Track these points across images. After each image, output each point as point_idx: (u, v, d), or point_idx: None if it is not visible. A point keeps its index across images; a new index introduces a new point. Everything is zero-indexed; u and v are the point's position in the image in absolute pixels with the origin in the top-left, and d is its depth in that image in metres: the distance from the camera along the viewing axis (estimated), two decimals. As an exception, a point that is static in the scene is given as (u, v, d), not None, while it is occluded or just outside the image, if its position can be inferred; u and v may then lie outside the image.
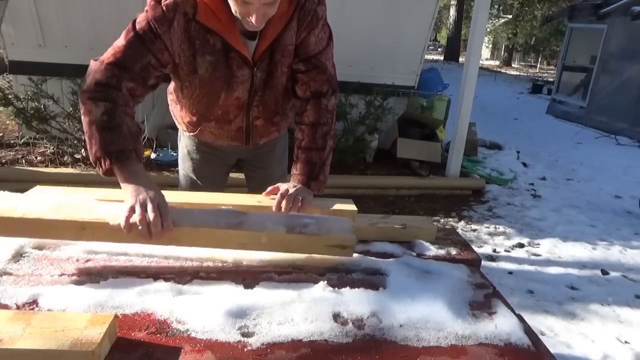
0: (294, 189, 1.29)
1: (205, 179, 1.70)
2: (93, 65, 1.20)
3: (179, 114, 1.59)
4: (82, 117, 1.15)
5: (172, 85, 1.52)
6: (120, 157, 1.10)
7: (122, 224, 0.99)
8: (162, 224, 1.00)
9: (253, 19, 1.16)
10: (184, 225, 1.04)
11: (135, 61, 1.20)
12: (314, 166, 1.38)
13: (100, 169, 1.12)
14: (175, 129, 1.78)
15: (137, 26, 1.21)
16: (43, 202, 1.08)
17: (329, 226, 1.12)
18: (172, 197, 1.18)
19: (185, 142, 1.70)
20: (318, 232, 1.10)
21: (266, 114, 1.49)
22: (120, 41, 1.21)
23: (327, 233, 1.10)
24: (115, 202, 1.09)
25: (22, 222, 1.00)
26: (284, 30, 1.30)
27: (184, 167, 1.74)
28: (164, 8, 1.19)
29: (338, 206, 1.31)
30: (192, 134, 1.60)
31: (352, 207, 1.30)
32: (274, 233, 1.08)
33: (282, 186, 1.30)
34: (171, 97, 1.59)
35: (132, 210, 1.01)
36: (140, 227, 0.99)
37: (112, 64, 1.18)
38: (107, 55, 1.20)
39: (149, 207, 1.01)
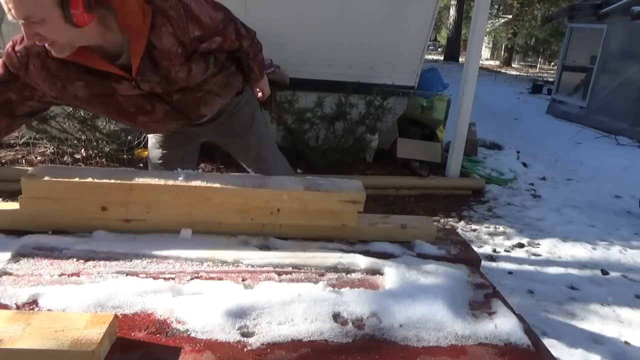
0: (265, 86, 1.86)
1: (171, 164, 1.70)
2: None
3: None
4: None
5: None
6: None
7: None
8: None
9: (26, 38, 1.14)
10: (216, 185, 1.20)
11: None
12: (262, 63, 1.75)
13: None
14: None
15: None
16: (94, 170, 1.22)
17: (341, 185, 1.29)
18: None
19: (151, 134, 1.81)
20: (332, 189, 1.25)
21: (184, 97, 1.49)
22: None
23: (340, 190, 1.25)
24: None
25: (79, 185, 1.15)
26: (152, 40, 1.28)
27: (154, 157, 1.82)
28: (17, 54, 1.25)
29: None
30: (146, 130, 1.74)
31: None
32: (293, 191, 1.22)
33: (264, 90, 1.87)
34: None
35: None
36: None
37: None
38: None
39: None
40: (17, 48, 1.24)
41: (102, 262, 1.07)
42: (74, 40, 1.16)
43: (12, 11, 1.06)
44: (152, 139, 1.82)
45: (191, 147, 1.85)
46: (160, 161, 1.80)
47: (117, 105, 1.40)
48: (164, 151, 1.79)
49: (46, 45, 1.16)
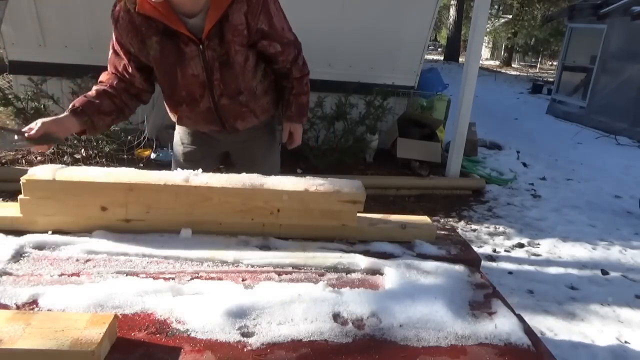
0: (299, 133, 1.82)
1: (193, 164, 1.71)
2: None
3: (168, 109, 1.77)
4: None
5: None
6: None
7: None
8: None
9: None
10: (216, 185, 1.20)
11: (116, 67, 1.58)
12: (303, 107, 1.78)
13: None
14: (174, 128, 1.82)
15: (112, 40, 1.56)
16: (94, 170, 1.22)
17: (341, 185, 1.28)
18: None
19: (177, 130, 1.86)
20: (332, 189, 1.24)
21: (228, 91, 1.61)
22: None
23: (340, 190, 1.24)
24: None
25: (79, 184, 1.15)
26: (228, 12, 1.44)
27: (176, 153, 1.88)
28: (113, 11, 1.50)
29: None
30: (178, 122, 1.77)
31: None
32: (294, 191, 1.22)
33: (296, 136, 1.82)
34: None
35: None
36: None
37: (106, 72, 1.61)
38: None
39: None
40: (113, 9, 1.49)
41: (102, 262, 1.07)
42: None
43: None
44: (177, 135, 1.86)
45: (213, 151, 1.89)
46: (184, 157, 1.84)
47: (176, 80, 1.57)
48: (188, 149, 1.84)
49: None
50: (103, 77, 1.58)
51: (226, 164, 1.96)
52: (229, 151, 1.91)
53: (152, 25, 1.45)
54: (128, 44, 1.51)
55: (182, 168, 1.75)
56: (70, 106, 1.46)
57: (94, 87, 1.55)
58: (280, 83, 1.75)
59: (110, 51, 1.57)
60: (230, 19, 1.46)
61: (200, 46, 1.49)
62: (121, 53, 1.54)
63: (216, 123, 1.69)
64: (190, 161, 1.80)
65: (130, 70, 1.56)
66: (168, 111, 1.76)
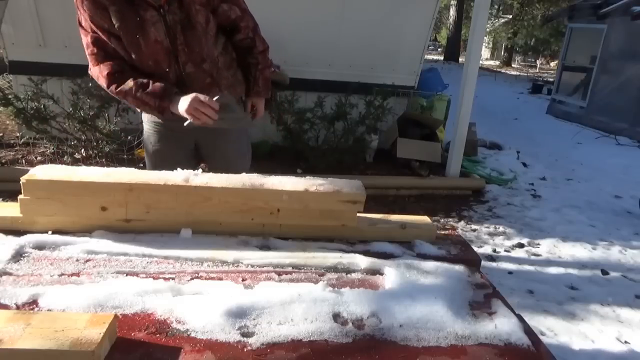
0: (262, 105, 1.85)
1: (165, 163, 1.70)
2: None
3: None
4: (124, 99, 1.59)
5: None
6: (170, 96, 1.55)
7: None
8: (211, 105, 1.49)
9: None
10: (216, 185, 1.19)
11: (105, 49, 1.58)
12: (268, 80, 1.81)
13: (166, 112, 1.56)
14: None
15: (82, 26, 1.60)
16: (94, 170, 1.22)
17: (341, 185, 1.28)
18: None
19: (145, 128, 1.85)
20: (332, 189, 1.24)
21: (193, 56, 1.61)
22: (85, 46, 1.62)
23: (340, 190, 1.24)
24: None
25: (79, 184, 1.15)
26: None
27: (146, 156, 1.87)
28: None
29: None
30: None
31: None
32: (294, 191, 1.22)
33: (260, 108, 1.85)
34: None
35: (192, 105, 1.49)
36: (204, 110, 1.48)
37: (100, 62, 1.60)
38: None
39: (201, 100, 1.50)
40: None
41: (102, 262, 1.07)
42: None
43: None
44: (148, 131, 1.84)
45: (183, 143, 1.85)
46: (155, 157, 1.83)
47: (140, 48, 1.55)
48: (158, 144, 1.82)
49: None
50: (105, 69, 1.56)
51: (199, 162, 1.94)
52: (198, 143, 1.88)
53: None
54: (99, 21, 1.51)
55: (156, 168, 1.71)
56: (160, 97, 1.54)
57: (130, 80, 1.55)
58: (244, 60, 1.76)
59: (87, 38, 1.56)
60: None
61: (161, 10, 1.50)
62: (100, 33, 1.52)
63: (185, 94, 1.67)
64: (162, 160, 1.78)
65: (115, 47, 1.54)
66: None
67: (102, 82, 1.57)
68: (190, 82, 1.64)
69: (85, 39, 1.56)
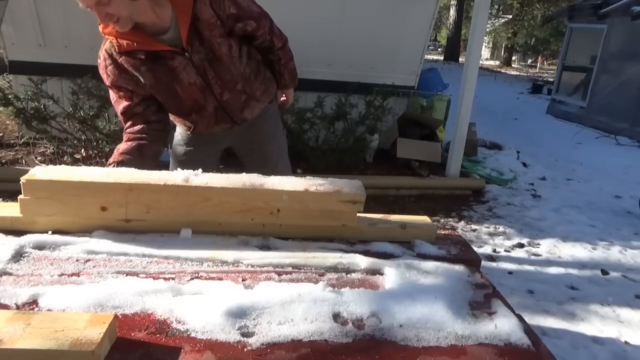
0: (291, 94, 1.99)
1: (193, 163, 1.73)
2: None
3: (177, 122, 1.83)
4: None
5: None
6: None
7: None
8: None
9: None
10: (216, 185, 1.19)
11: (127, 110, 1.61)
12: (293, 71, 1.88)
13: None
14: (175, 129, 1.83)
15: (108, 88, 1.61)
16: (94, 170, 1.22)
17: (341, 185, 1.28)
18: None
19: (179, 130, 1.88)
20: (332, 189, 1.24)
21: (226, 85, 1.65)
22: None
23: (340, 190, 1.24)
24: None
25: (79, 184, 1.14)
26: (195, 11, 1.47)
27: (176, 153, 1.88)
28: (100, 65, 1.55)
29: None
30: (190, 132, 1.79)
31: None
32: (294, 191, 1.21)
33: (289, 97, 1.98)
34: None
35: None
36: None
37: (124, 121, 1.63)
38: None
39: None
40: (99, 61, 1.54)
41: (102, 262, 1.07)
42: (132, 13, 1.38)
43: (83, 0, 1.29)
44: (178, 136, 1.87)
45: (215, 149, 1.92)
46: (184, 158, 1.85)
47: (177, 95, 1.60)
48: (189, 148, 1.85)
49: (112, 24, 1.40)
50: (127, 130, 1.60)
51: (226, 164, 1.97)
52: (232, 145, 1.93)
53: (136, 57, 1.50)
54: (125, 85, 1.55)
55: (182, 168, 1.78)
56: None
57: (128, 148, 1.55)
58: (266, 58, 1.78)
59: (113, 102, 1.61)
60: (200, 17, 1.48)
61: (186, 54, 1.52)
62: (122, 95, 1.57)
63: (226, 120, 1.73)
64: (190, 161, 1.79)
65: (137, 103, 1.58)
66: (178, 123, 1.79)
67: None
68: (228, 106, 1.70)
69: (112, 101, 1.63)
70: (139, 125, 1.58)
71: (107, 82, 1.56)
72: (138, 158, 1.51)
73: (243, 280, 1.05)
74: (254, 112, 1.78)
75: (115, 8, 1.33)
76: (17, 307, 0.90)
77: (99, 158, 4.13)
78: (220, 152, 1.95)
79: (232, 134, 1.84)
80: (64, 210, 1.17)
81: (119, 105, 1.59)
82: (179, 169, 1.81)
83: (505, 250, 3.44)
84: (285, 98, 1.97)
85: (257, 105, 1.78)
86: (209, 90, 1.62)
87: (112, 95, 1.60)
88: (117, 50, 1.49)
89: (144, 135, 1.57)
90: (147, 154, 1.55)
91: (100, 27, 1.49)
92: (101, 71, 1.56)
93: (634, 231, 3.98)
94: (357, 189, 1.27)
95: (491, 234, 3.72)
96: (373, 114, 4.71)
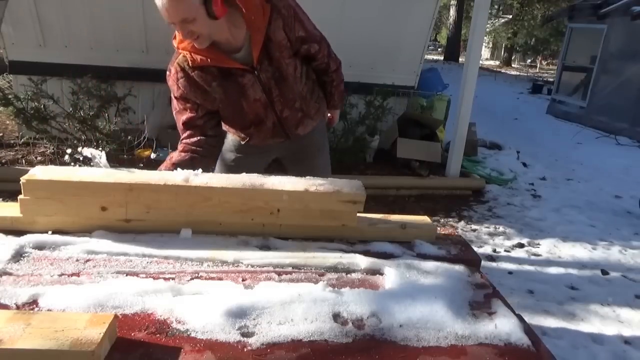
0: (337, 114, 2.06)
1: (242, 170, 1.77)
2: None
3: (231, 132, 1.90)
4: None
5: None
6: None
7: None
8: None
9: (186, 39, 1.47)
10: (216, 185, 1.20)
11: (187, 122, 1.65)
12: (342, 93, 1.97)
13: None
14: (175, 129, 1.83)
15: (173, 99, 1.65)
16: (94, 170, 1.23)
17: (341, 185, 1.28)
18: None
19: (230, 137, 1.93)
20: (332, 189, 1.24)
21: (287, 102, 1.72)
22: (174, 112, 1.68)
23: (340, 190, 1.25)
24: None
25: (79, 184, 1.15)
26: (268, 32, 1.54)
27: (225, 158, 1.93)
28: (171, 77, 1.60)
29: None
30: (244, 142, 1.86)
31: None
32: (294, 191, 1.22)
33: (335, 117, 2.05)
34: (223, 125, 1.86)
35: None
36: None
37: (182, 131, 1.67)
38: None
39: None
40: (169, 73, 1.60)
41: (102, 262, 1.07)
42: (212, 31, 1.45)
43: (172, 15, 1.37)
44: (230, 142, 1.92)
45: (264, 158, 1.98)
46: (233, 164, 1.90)
47: (242, 110, 1.68)
48: (239, 155, 1.90)
49: (192, 41, 1.46)
50: (183, 140, 1.65)
51: (270, 172, 1.99)
52: (280, 156, 2.00)
53: (208, 72, 1.56)
54: (193, 98, 1.61)
55: (229, 173, 1.83)
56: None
57: (181, 160, 1.59)
58: (320, 78, 1.86)
59: (175, 112, 1.66)
60: (273, 39, 1.55)
61: (255, 72, 1.59)
62: (188, 107, 1.63)
63: (281, 135, 1.81)
64: (239, 167, 1.84)
65: (200, 116, 1.64)
66: (233, 134, 1.86)
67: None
68: (286, 122, 1.77)
69: (174, 112, 1.67)
70: (196, 138, 1.64)
71: (177, 94, 1.61)
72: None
73: (243, 280, 1.05)
74: (307, 129, 1.86)
75: (198, 26, 1.41)
76: (17, 307, 0.90)
77: (99, 158, 4.13)
78: (268, 162, 2.02)
79: (283, 146, 1.91)
80: (64, 210, 1.17)
81: (183, 116, 1.64)
82: (225, 169, 1.86)
83: (505, 250, 3.45)
84: (331, 118, 2.07)
85: (310, 123, 1.86)
86: (271, 106, 1.70)
87: (177, 105, 1.65)
88: (190, 64, 1.55)
89: (199, 148, 1.63)
90: (198, 167, 1.58)
91: (175, 42, 1.55)
92: (171, 83, 1.61)
93: (634, 231, 3.98)
94: (357, 189, 1.27)
95: (491, 234, 3.72)
96: (373, 114, 4.71)
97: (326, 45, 1.77)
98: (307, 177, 1.32)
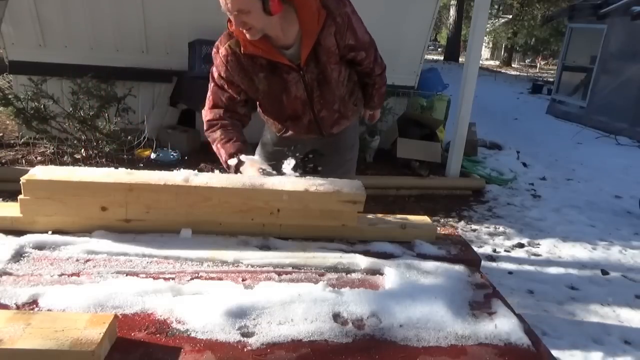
0: (378, 113, 2.10)
1: (276, 162, 1.83)
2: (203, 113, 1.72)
3: (268, 124, 1.96)
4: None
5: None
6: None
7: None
8: None
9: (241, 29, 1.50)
10: (216, 185, 1.20)
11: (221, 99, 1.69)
12: (383, 95, 2.00)
13: (230, 170, 1.60)
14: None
15: (214, 76, 1.67)
16: (94, 170, 1.23)
17: (341, 185, 1.29)
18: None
19: (269, 132, 2.00)
20: (332, 189, 1.25)
21: (326, 104, 1.77)
22: (208, 91, 1.70)
23: (340, 190, 1.25)
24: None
25: (79, 184, 1.15)
26: (319, 37, 1.57)
27: (263, 150, 2.01)
28: (220, 56, 1.62)
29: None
30: (279, 134, 1.92)
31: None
32: (294, 191, 1.22)
33: (376, 115, 2.10)
34: (260, 114, 1.92)
35: None
36: None
37: (210, 108, 1.70)
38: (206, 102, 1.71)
39: None
40: (220, 51, 1.62)
41: (102, 262, 1.07)
42: (265, 26, 1.49)
43: (229, 5, 1.40)
44: (267, 135, 2.00)
45: (300, 151, 1.98)
46: (271, 156, 1.93)
47: (282, 104, 1.73)
48: (276, 148, 1.94)
49: (244, 31, 1.49)
50: (209, 115, 1.68)
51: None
52: (314, 148, 2.03)
53: (257, 62, 1.60)
54: (239, 82, 1.64)
55: (269, 161, 1.87)
56: (231, 156, 1.60)
57: (219, 129, 1.64)
58: (362, 80, 1.89)
59: (212, 85, 1.68)
60: (322, 43, 1.58)
61: (300, 72, 1.63)
62: (229, 89, 1.66)
63: (315, 132, 1.85)
64: (275, 159, 1.86)
65: (236, 100, 1.68)
66: (270, 124, 1.91)
67: (204, 126, 1.71)
68: (322, 122, 1.81)
69: (211, 86, 1.70)
70: (227, 113, 1.68)
71: (223, 73, 1.63)
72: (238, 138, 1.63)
73: (243, 280, 1.05)
74: (341, 128, 1.90)
75: (252, 19, 1.44)
76: (17, 307, 0.90)
77: (98, 158, 4.13)
78: (303, 154, 2.04)
79: (316, 141, 1.96)
80: (64, 210, 1.17)
81: (223, 95, 1.66)
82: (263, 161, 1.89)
83: (505, 250, 3.44)
84: (370, 116, 2.11)
85: (345, 123, 1.90)
86: (309, 105, 1.74)
87: (219, 82, 1.66)
88: (241, 50, 1.58)
89: (231, 121, 1.68)
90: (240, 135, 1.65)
91: (230, 26, 1.57)
92: (219, 62, 1.63)
93: (634, 231, 3.98)
94: (357, 189, 1.27)
95: (491, 234, 3.72)
96: (373, 114, 4.70)
97: (374, 50, 1.80)
98: (307, 177, 1.32)
